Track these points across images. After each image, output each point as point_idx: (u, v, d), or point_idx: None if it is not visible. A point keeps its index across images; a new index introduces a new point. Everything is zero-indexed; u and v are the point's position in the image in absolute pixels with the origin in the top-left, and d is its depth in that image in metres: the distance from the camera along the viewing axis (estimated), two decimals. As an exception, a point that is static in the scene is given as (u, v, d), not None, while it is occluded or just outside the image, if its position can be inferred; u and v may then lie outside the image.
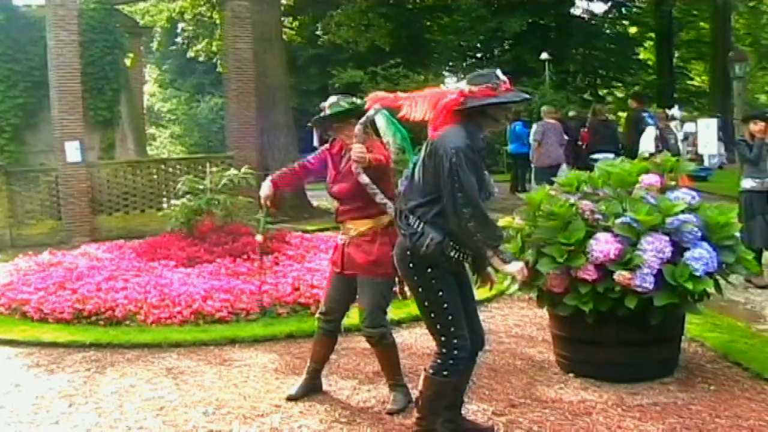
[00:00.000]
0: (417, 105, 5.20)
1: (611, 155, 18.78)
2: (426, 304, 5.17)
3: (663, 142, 17.53)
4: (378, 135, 6.19)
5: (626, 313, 6.22)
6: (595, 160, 18.76)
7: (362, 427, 5.91)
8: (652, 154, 16.38)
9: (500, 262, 4.97)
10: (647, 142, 17.88)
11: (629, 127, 20.59)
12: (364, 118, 5.77)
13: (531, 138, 19.69)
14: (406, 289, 6.10)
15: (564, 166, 19.80)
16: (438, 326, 5.17)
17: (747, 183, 10.25)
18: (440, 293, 5.08)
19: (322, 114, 6.36)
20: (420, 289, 5.15)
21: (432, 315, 5.18)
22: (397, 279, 6.21)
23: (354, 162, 5.64)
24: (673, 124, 28.59)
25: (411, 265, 5.13)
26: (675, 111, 30.30)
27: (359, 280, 6.16)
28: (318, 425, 5.96)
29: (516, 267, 5.05)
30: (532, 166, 20.05)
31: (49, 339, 8.69)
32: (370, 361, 7.14)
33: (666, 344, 6.77)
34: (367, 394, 6.57)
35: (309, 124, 6.64)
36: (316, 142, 6.77)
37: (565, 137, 20.08)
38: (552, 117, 19.51)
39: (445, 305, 5.12)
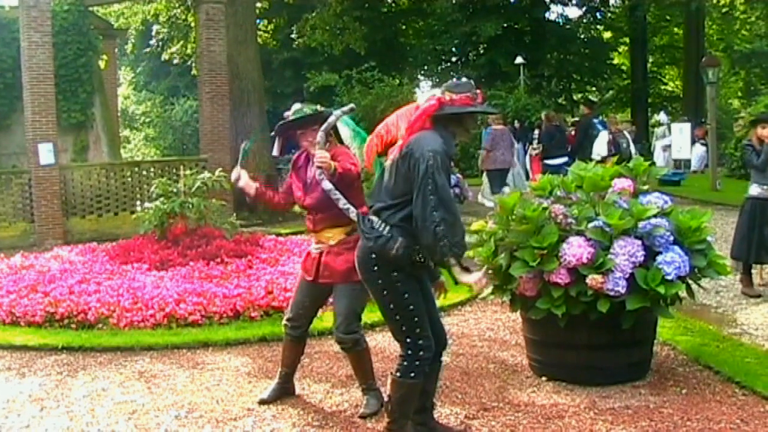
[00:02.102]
0: (397, 124, 5.21)
1: (566, 159, 19.57)
2: (391, 306, 5.18)
3: (615, 145, 17.86)
4: (341, 143, 6.19)
5: (598, 316, 6.25)
6: (550, 166, 19.59)
7: (334, 431, 5.91)
8: (604, 158, 16.83)
9: (461, 271, 4.90)
10: (600, 145, 18.21)
11: (579, 132, 20.97)
12: (325, 125, 5.77)
13: (482, 145, 19.75)
14: None
15: (518, 169, 20.22)
16: (403, 328, 5.19)
17: (753, 190, 9.85)
18: (405, 295, 5.11)
19: (285, 121, 6.32)
20: (385, 292, 5.16)
21: (397, 317, 5.20)
22: None
23: (316, 168, 5.61)
24: (660, 129, 28.90)
25: (375, 267, 5.14)
26: (662, 116, 30.52)
27: (337, 286, 6.13)
28: (290, 429, 5.95)
29: (475, 277, 4.96)
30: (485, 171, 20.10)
31: (20, 342, 8.64)
32: (342, 365, 7.14)
33: (638, 348, 6.80)
34: (340, 398, 6.57)
35: (272, 133, 6.58)
36: (276, 152, 6.72)
37: (515, 142, 20.45)
38: (498, 123, 19.68)
39: (411, 307, 5.15)
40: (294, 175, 6.46)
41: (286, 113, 6.37)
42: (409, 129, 5.11)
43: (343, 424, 6.01)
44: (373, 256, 5.12)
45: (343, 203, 5.52)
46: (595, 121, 20.72)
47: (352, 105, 6.16)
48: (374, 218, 5.15)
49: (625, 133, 19.69)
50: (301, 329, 6.45)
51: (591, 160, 17.80)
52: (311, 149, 6.11)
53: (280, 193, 6.70)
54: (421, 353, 5.19)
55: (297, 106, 6.36)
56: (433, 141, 5.00)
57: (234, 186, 6.56)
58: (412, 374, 5.19)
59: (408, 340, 5.19)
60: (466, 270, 4.91)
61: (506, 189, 18.54)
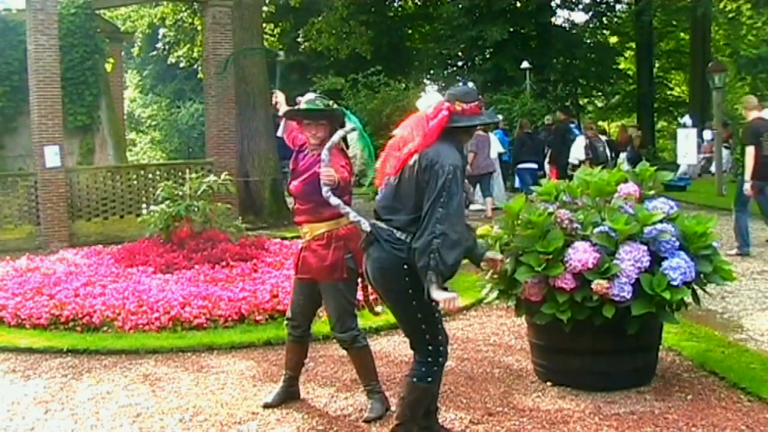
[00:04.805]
0: (412, 135, 5.18)
1: (535, 165, 20.33)
2: (419, 315, 5.20)
3: (592, 150, 18.08)
4: (345, 145, 6.23)
5: (603, 322, 6.23)
6: (523, 170, 20.78)
7: (339, 434, 5.91)
8: (582, 162, 17.07)
9: (436, 287, 4.83)
10: (578, 150, 18.44)
11: (556, 137, 21.49)
12: (329, 143, 5.79)
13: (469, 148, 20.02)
14: (379, 308, 6.12)
15: (497, 175, 20.74)
16: (427, 336, 5.23)
17: None
18: (433, 303, 5.11)
19: (296, 108, 6.37)
20: (414, 302, 5.15)
21: (423, 326, 5.22)
22: (362, 294, 6.19)
23: (323, 185, 5.63)
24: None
25: (407, 278, 5.11)
26: (687, 119, 30.48)
27: (321, 285, 6.18)
28: (295, 433, 5.96)
29: (448, 296, 4.85)
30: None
31: (25, 344, 8.64)
32: (347, 369, 7.14)
33: (643, 353, 6.79)
34: (345, 402, 6.56)
35: (279, 114, 6.65)
36: (280, 132, 6.78)
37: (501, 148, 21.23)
38: (480, 129, 20.00)
39: (437, 314, 5.23)
40: (294, 157, 6.50)
41: (299, 98, 6.41)
42: (424, 141, 5.10)
43: (348, 428, 6.01)
44: (406, 267, 5.10)
45: (353, 216, 5.54)
46: (572, 125, 21.29)
47: (353, 125, 6.20)
48: (398, 232, 5.14)
49: (601, 137, 19.98)
50: (301, 329, 6.47)
51: (568, 164, 18.43)
52: (311, 141, 6.22)
53: (294, 137, 6.71)
54: (440, 359, 5.28)
55: (310, 96, 6.39)
56: (453, 155, 5.02)
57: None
58: (429, 379, 5.25)
59: (430, 347, 5.24)
60: (444, 288, 4.88)
61: (488, 200, 19.03)
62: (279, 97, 6.96)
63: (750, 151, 12.61)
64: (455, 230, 4.85)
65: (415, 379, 5.25)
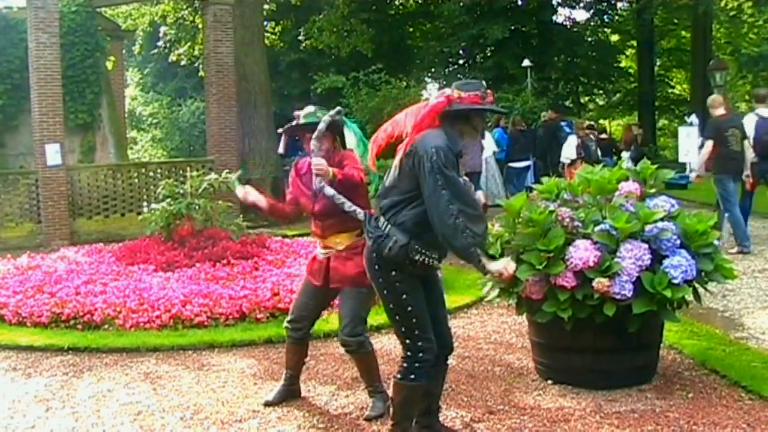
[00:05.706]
0: (404, 121, 5.19)
1: (527, 163, 21.06)
2: (391, 306, 5.19)
3: (584, 149, 18.10)
4: (343, 145, 6.21)
5: (604, 320, 6.23)
6: (514, 168, 21.11)
7: (340, 433, 5.91)
8: (573, 161, 17.11)
9: (488, 260, 4.91)
10: (569, 149, 18.45)
11: (546, 135, 21.53)
12: (317, 132, 5.78)
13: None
14: None
15: (492, 173, 20.88)
16: (403, 329, 5.19)
17: None
18: (404, 296, 5.09)
19: (295, 122, 6.33)
20: (385, 292, 5.16)
21: (397, 318, 5.20)
22: None
23: (315, 176, 5.62)
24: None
25: (377, 267, 5.14)
26: (693, 118, 30.50)
27: (344, 289, 6.14)
28: (295, 431, 5.95)
29: (503, 263, 5.01)
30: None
31: (26, 343, 8.65)
32: (348, 367, 7.14)
33: (644, 351, 6.78)
34: (346, 400, 6.56)
35: (279, 131, 6.60)
36: (281, 149, 6.72)
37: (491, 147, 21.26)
38: None
39: (409, 308, 5.13)
40: (299, 182, 6.44)
41: (297, 112, 6.37)
42: (416, 126, 5.08)
43: (349, 426, 6.01)
44: (374, 255, 5.12)
45: (348, 206, 5.54)
46: (563, 123, 21.32)
47: (339, 108, 6.18)
48: (381, 218, 5.15)
49: (592, 136, 20.00)
50: (302, 331, 6.45)
51: (559, 163, 18.55)
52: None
53: (286, 204, 6.64)
54: (421, 355, 5.17)
55: (310, 108, 6.35)
56: (436, 138, 4.98)
57: (243, 201, 6.48)
58: (413, 376, 5.17)
59: (407, 341, 5.19)
60: (492, 257, 4.90)
61: (479, 193, 18.99)
62: (247, 191, 6.49)
63: (708, 144, 13.32)
64: (470, 206, 4.87)
65: (399, 376, 5.22)
